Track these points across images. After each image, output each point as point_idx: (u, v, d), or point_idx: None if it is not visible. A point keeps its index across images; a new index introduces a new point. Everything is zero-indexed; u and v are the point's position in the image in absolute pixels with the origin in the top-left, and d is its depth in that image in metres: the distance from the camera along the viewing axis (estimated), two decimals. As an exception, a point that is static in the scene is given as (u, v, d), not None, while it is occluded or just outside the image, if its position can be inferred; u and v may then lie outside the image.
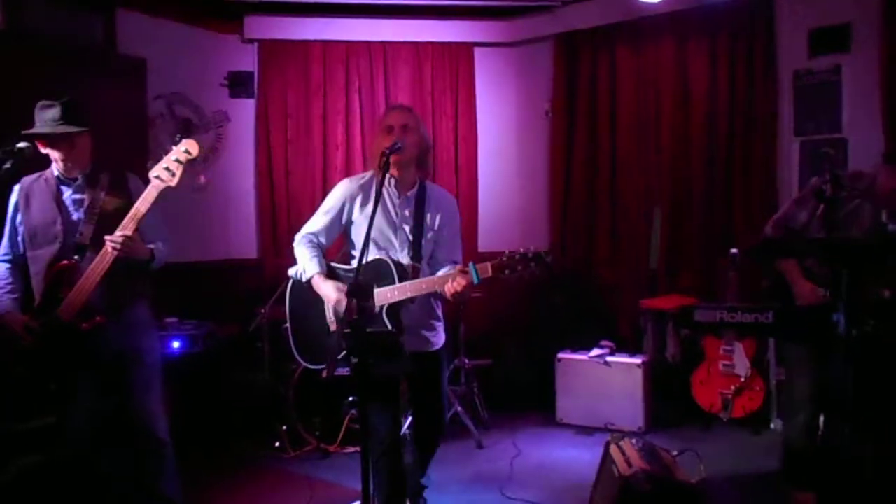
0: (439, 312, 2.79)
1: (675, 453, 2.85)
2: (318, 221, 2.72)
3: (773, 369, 4.18)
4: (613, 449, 2.82)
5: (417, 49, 5.30)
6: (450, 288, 2.37)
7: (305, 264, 2.64)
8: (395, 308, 2.48)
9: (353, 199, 2.68)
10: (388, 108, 2.96)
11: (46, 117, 2.63)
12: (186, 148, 2.46)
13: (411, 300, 2.48)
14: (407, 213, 2.66)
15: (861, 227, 2.48)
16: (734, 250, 4.20)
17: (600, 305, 5.11)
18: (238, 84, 5.13)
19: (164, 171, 2.49)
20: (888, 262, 2.21)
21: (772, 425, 4.21)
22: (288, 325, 2.75)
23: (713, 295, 4.60)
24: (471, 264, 2.36)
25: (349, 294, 2.16)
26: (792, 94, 4.45)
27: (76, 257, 2.63)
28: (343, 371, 2.59)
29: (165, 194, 2.58)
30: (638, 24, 4.90)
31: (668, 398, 4.50)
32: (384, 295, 2.46)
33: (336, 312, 2.51)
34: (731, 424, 4.21)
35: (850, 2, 4.22)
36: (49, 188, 2.72)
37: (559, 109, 5.27)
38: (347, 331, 2.18)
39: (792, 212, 2.87)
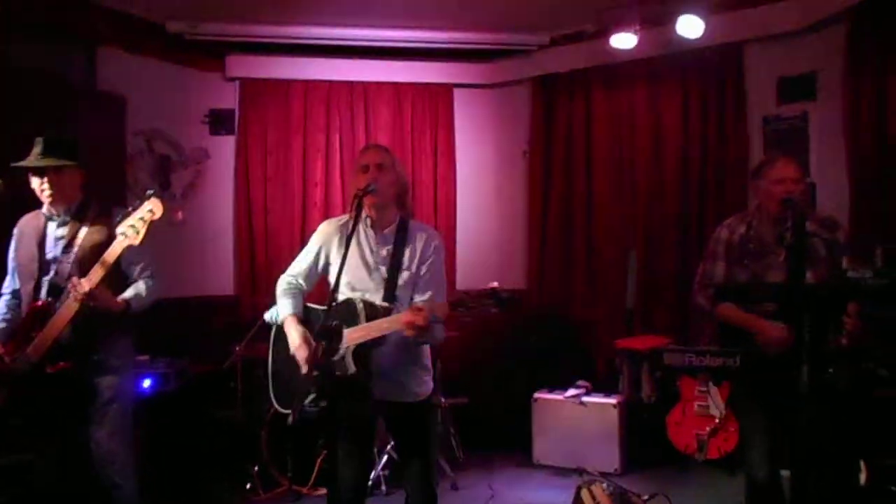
0: (426, 361, 2.63)
1: (645, 497, 2.84)
2: (298, 264, 2.68)
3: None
4: (584, 493, 2.82)
5: (398, 89, 5.37)
6: (407, 324, 2.27)
7: (279, 306, 2.61)
8: (363, 350, 2.40)
9: (329, 242, 2.62)
10: (363, 148, 2.90)
11: (33, 152, 2.70)
12: (151, 207, 2.51)
13: (380, 342, 2.41)
14: (384, 252, 2.56)
15: (817, 273, 2.50)
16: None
17: (577, 344, 5.12)
18: (219, 121, 5.15)
19: (130, 229, 2.52)
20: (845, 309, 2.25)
21: (747, 467, 4.21)
22: (269, 368, 2.66)
23: (688, 334, 4.64)
24: (426, 304, 2.35)
25: (317, 336, 2.15)
26: (762, 139, 4.57)
27: (49, 298, 2.64)
28: (308, 413, 2.51)
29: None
30: (613, 68, 5.01)
31: (644, 439, 4.48)
32: (348, 336, 2.40)
33: (296, 357, 2.45)
34: (707, 466, 4.20)
35: (817, 52, 4.37)
36: (37, 225, 2.78)
37: (536, 150, 5.35)
38: (316, 374, 2.16)
39: (709, 270, 2.84)
